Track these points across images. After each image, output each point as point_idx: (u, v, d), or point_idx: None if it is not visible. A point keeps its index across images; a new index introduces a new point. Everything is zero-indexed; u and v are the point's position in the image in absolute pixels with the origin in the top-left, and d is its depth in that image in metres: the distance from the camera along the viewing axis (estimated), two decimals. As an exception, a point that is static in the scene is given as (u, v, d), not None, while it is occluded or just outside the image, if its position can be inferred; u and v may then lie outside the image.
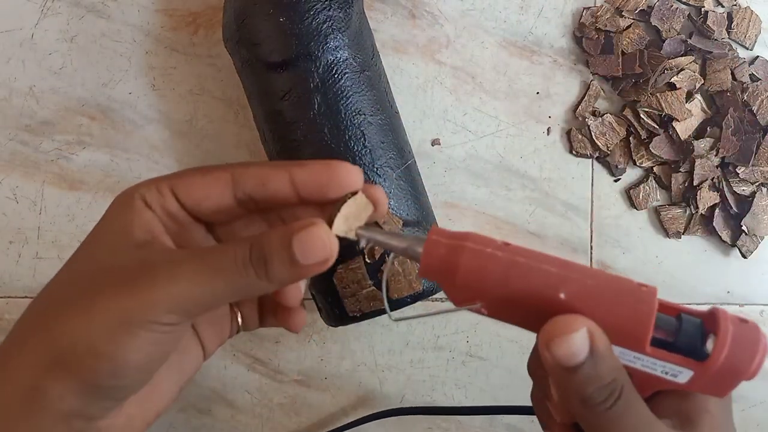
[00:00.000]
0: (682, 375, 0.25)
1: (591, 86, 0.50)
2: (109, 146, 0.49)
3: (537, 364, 0.31)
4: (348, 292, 0.39)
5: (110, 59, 0.49)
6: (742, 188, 0.49)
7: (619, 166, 0.50)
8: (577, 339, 0.24)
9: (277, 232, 0.26)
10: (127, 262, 0.27)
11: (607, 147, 0.50)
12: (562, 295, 0.24)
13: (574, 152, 0.50)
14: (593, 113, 0.50)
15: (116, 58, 0.49)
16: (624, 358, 0.25)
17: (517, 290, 0.25)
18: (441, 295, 0.48)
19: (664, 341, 0.25)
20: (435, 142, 0.50)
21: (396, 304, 0.40)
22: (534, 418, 0.35)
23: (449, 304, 0.27)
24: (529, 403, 0.34)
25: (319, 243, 0.26)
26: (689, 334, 0.25)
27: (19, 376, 0.26)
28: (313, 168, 0.29)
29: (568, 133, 0.50)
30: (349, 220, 0.27)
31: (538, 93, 0.50)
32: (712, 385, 0.25)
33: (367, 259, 0.39)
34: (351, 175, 0.29)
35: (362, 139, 0.39)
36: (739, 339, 0.24)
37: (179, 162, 0.49)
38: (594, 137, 0.49)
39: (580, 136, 0.50)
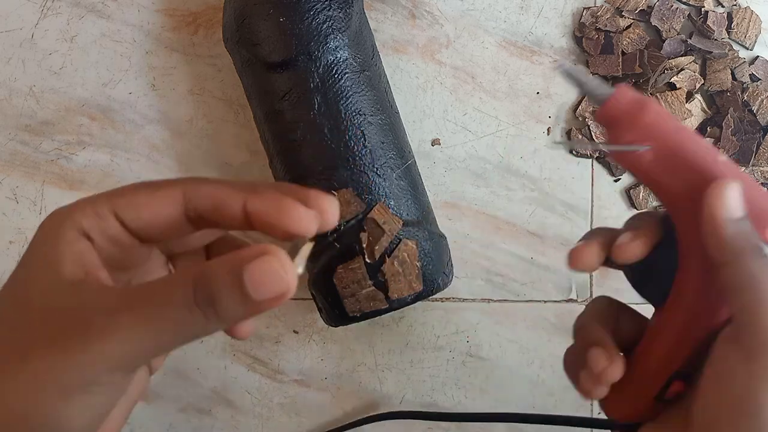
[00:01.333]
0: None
1: (591, 86, 0.50)
2: (109, 146, 0.49)
3: (585, 324, 0.33)
4: (348, 292, 0.39)
5: (110, 59, 0.49)
6: (742, 188, 0.49)
7: (619, 167, 0.50)
8: (738, 192, 0.27)
9: (225, 265, 0.22)
10: (59, 306, 0.23)
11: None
12: (722, 158, 0.28)
13: (574, 152, 0.50)
14: (593, 113, 0.50)
15: (116, 58, 0.49)
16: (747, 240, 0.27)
17: (688, 141, 0.28)
18: (441, 295, 0.48)
19: None
20: (435, 142, 0.50)
21: (396, 304, 0.40)
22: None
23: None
24: (528, 411, 0.36)
25: (276, 276, 0.22)
26: None
27: None
28: (266, 203, 0.25)
29: (568, 133, 0.50)
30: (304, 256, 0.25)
31: (538, 93, 0.50)
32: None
33: (366, 259, 0.39)
34: (302, 222, 0.24)
35: (362, 139, 0.39)
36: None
37: (179, 162, 0.49)
38: (594, 137, 0.49)
39: (580, 136, 0.50)
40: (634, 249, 0.29)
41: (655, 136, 0.28)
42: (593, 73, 0.51)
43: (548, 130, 0.50)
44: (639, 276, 0.31)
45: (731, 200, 0.27)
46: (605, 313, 0.33)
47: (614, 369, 0.30)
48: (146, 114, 0.49)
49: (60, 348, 0.22)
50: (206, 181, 0.26)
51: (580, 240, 0.31)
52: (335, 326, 0.43)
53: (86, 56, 0.49)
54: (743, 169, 0.49)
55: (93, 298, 0.23)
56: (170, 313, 0.22)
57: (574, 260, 0.30)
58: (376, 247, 0.39)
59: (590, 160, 0.50)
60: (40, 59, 0.49)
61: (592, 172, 0.51)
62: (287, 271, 0.22)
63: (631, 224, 0.31)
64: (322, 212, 0.25)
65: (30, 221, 0.48)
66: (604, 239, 0.30)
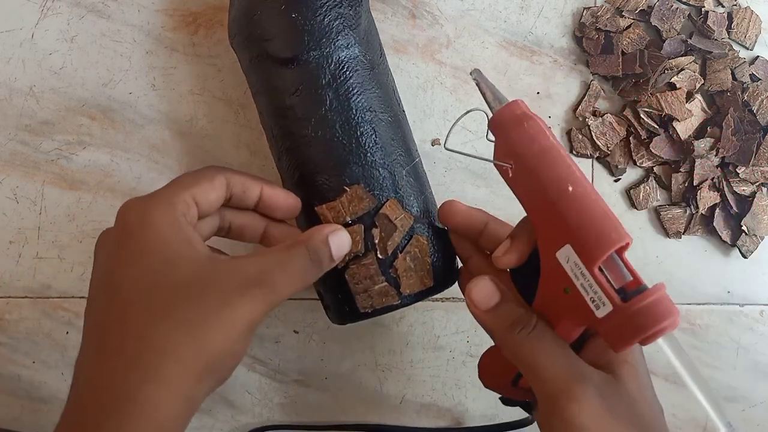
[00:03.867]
0: (602, 309, 0.29)
1: (591, 86, 0.50)
2: (109, 146, 0.49)
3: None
4: (360, 288, 0.39)
5: (110, 59, 0.49)
6: (743, 188, 0.49)
7: (619, 166, 0.50)
8: (489, 285, 0.34)
9: (320, 236, 0.34)
10: (221, 275, 0.31)
11: (608, 147, 0.50)
12: (570, 188, 0.30)
13: (574, 152, 0.50)
14: (593, 113, 0.50)
15: (116, 58, 0.49)
16: (573, 271, 0.30)
17: (545, 167, 0.30)
18: (442, 295, 0.48)
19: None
20: (435, 142, 0.50)
21: (407, 300, 0.40)
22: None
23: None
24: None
25: (346, 241, 0.36)
26: (628, 282, 0.30)
27: (175, 386, 0.29)
28: (276, 190, 0.38)
29: (568, 133, 0.50)
30: None
31: (538, 93, 0.50)
32: (617, 330, 0.29)
33: (379, 255, 0.39)
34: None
35: (373, 135, 0.39)
36: (660, 304, 0.28)
37: (179, 162, 0.49)
38: (594, 137, 0.49)
39: (580, 136, 0.50)
40: (506, 260, 0.34)
41: (517, 155, 0.32)
42: (593, 73, 0.51)
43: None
44: (516, 277, 0.36)
45: (480, 295, 0.34)
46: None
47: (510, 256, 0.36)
48: (146, 114, 0.49)
49: (261, 296, 0.31)
50: (234, 170, 0.36)
51: (508, 237, 0.35)
52: (344, 324, 0.43)
53: (86, 56, 0.49)
54: (743, 168, 0.49)
55: (247, 265, 0.32)
56: (304, 272, 0.33)
57: (496, 262, 0.35)
58: (389, 243, 0.39)
59: (590, 160, 0.51)
60: (41, 59, 0.49)
61: (593, 172, 0.51)
62: (349, 238, 0.36)
63: (512, 231, 0.35)
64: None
65: (30, 221, 0.48)
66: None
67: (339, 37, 0.39)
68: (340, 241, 0.35)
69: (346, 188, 0.39)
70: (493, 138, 0.34)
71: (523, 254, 0.34)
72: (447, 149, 0.35)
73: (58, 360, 0.49)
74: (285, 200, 0.38)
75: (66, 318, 0.49)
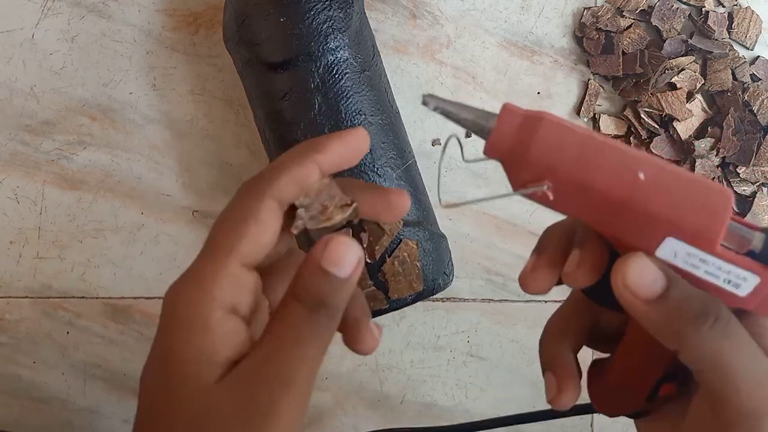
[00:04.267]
0: (746, 284, 0.23)
1: (590, 85, 0.50)
2: (109, 146, 0.49)
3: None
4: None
5: (111, 59, 0.49)
6: (743, 188, 0.49)
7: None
8: (651, 267, 0.24)
9: (310, 270, 0.26)
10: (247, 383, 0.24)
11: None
12: (641, 175, 0.23)
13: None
14: (595, 117, 0.50)
15: (117, 58, 0.49)
16: (688, 262, 0.24)
17: (594, 167, 0.23)
18: (442, 295, 0.48)
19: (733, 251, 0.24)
20: (435, 142, 0.50)
21: (396, 304, 0.40)
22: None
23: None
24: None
25: (344, 248, 0.27)
26: (764, 241, 0.23)
27: None
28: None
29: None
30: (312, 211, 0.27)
31: (538, 93, 0.50)
32: None
33: (367, 259, 0.39)
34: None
35: None
36: None
37: (180, 162, 0.49)
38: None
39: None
40: (582, 277, 0.26)
41: (551, 172, 0.24)
42: (594, 73, 0.50)
43: (549, 130, 0.50)
44: (597, 293, 0.28)
45: (641, 281, 0.24)
46: (580, 308, 0.31)
47: (564, 398, 0.28)
48: (147, 114, 0.49)
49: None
50: (278, 170, 0.26)
51: (533, 251, 0.28)
52: None
53: (87, 56, 0.49)
54: (743, 168, 0.49)
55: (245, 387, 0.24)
56: (308, 338, 0.25)
57: (524, 286, 0.28)
58: (377, 247, 0.39)
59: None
60: (41, 59, 0.49)
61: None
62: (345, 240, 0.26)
63: (578, 239, 0.27)
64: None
65: (30, 221, 0.48)
66: (554, 257, 0.27)
67: (328, 41, 0.39)
68: (337, 255, 0.26)
69: None
70: (452, 201, 0.28)
71: (599, 268, 0.26)
72: (444, 207, 0.27)
73: (58, 360, 0.49)
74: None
75: (66, 318, 0.49)
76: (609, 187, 0.23)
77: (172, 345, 0.24)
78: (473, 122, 0.25)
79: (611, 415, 0.30)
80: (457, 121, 0.26)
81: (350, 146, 0.27)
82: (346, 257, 0.26)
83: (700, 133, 0.50)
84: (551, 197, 0.25)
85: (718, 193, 0.23)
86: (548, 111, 0.24)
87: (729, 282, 0.24)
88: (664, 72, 0.49)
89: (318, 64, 0.39)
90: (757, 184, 0.49)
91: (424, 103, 0.25)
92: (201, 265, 0.25)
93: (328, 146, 0.26)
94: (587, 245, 0.26)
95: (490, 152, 0.25)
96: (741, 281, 0.24)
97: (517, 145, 0.24)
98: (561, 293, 0.49)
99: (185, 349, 0.24)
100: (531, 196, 0.25)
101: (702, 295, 0.24)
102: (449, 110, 0.26)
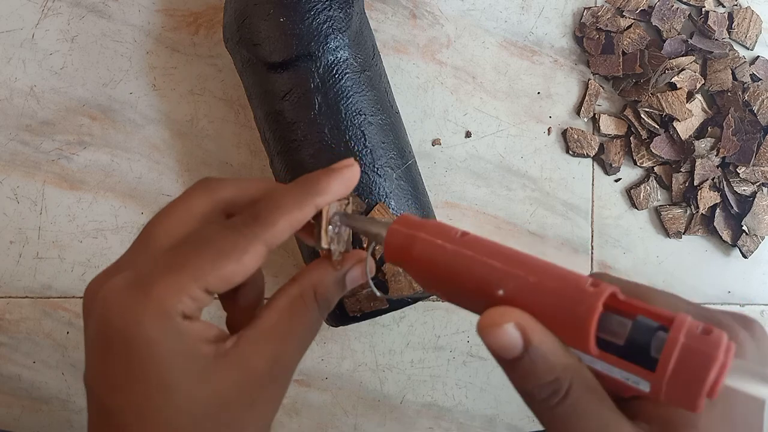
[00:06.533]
0: (642, 384, 0.23)
1: (590, 85, 0.50)
2: (109, 146, 0.49)
3: None
4: (348, 292, 0.39)
5: (111, 59, 0.49)
6: (743, 188, 0.49)
7: (613, 165, 0.50)
8: (508, 332, 0.23)
9: (329, 280, 0.28)
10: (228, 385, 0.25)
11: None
12: (500, 292, 0.24)
13: (570, 152, 0.50)
14: (595, 118, 0.50)
15: (117, 58, 0.49)
16: (585, 359, 0.24)
17: (462, 282, 0.25)
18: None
19: (618, 345, 0.23)
20: (435, 142, 0.50)
21: (396, 304, 0.40)
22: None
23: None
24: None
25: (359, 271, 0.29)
26: (638, 341, 0.23)
27: None
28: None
29: (564, 133, 0.50)
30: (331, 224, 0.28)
31: (538, 93, 0.50)
32: (674, 397, 0.22)
33: None
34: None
35: (363, 139, 0.39)
36: (691, 351, 0.21)
37: (180, 162, 0.49)
38: (591, 135, 0.49)
39: (576, 136, 0.50)
40: None
41: (432, 283, 0.26)
42: (594, 73, 0.50)
43: (549, 130, 0.50)
44: None
45: (497, 340, 0.23)
46: None
47: None
48: (147, 114, 0.49)
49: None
50: (277, 214, 0.26)
51: None
52: (336, 326, 0.43)
53: (87, 56, 0.49)
54: (743, 168, 0.49)
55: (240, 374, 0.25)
56: (308, 336, 0.28)
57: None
58: (377, 247, 0.39)
59: (591, 159, 0.50)
60: (41, 59, 0.49)
61: (593, 171, 0.51)
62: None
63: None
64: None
65: (30, 221, 0.48)
66: None
67: (328, 41, 0.39)
68: (357, 273, 0.29)
69: None
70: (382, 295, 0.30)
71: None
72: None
73: (58, 360, 0.49)
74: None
75: (66, 318, 0.49)
76: (480, 298, 0.25)
77: (140, 356, 0.23)
78: (373, 236, 0.27)
79: None
80: (362, 234, 0.28)
81: (346, 183, 0.28)
82: (364, 276, 0.29)
83: (700, 133, 0.50)
84: (444, 302, 0.27)
85: (579, 305, 0.23)
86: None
87: (627, 379, 0.23)
88: (664, 72, 0.49)
89: (318, 64, 0.39)
90: (757, 184, 0.49)
91: (333, 222, 0.28)
92: (156, 283, 0.24)
93: (328, 188, 0.27)
94: None
95: (389, 259, 0.27)
96: (636, 381, 0.23)
97: (402, 259, 0.27)
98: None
99: (161, 365, 0.23)
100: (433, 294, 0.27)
101: (554, 367, 0.23)
102: (355, 226, 0.28)
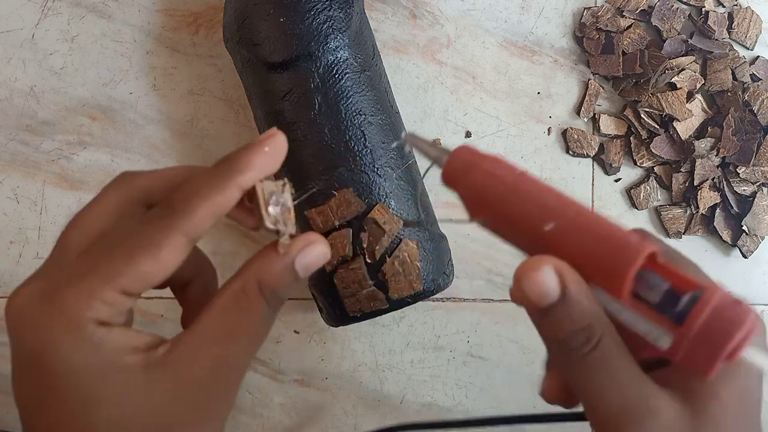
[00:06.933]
0: (663, 340, 0.24)
1: (590, 85, 0.50)
2: (109, 146, 0.49)
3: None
4: (348, 292, 0.39)
5: (111, 59, 0.49)
6: (743, 188, 0.49)
7: (613, 165, 0.50)
8: (547, 277, 0.23)
9: (274, 269, 0.25)
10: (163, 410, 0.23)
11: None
12: (548, 227, 0.25)
13: (570, 152, 0.50)
14: (594, 118, 0.50)
15: (117, 58, 0.49)
16: (612, 308, 0.24)
17: (513, 213, 0.26)
18: (442, 295, 0.48)
19: (651, 303, 0.24)
20: (435, 142, 0.49)
21: (396, 304, 0.40)
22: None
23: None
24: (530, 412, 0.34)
25: (315, 253, 0.26)
26: (670, 301, 0.24)
27: None
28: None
29: (564, 132, 0.50)
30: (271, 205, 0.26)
31: (539, 93, 0.50)
32: (692, 357, 0.23)
33: (367, 259, 0.39)
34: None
35: (363, 139, 0.39)
36: (722, 312, 0.23)
37: (180, 162, 0.49)
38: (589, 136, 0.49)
39: (576, 136, 0.50)
40: (557, 398, 0.27)
41: (484, 210, 0.27)
42: (594, 73, 0.50)
43: (549, 130, 0.50)
44: None
45: (534, 286, 0.24)
46: None
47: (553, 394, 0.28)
48: (147, 114, 0.49)
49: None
50: (196, 201, 0.23)
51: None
52: (336, 326, 0.43)
53: (87, 56, 0.49)
54: (743, 168, 0.49)
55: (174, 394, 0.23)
56: (258, 334, 0.25)
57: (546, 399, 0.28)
58: (377, 247, 0.39)
59: (591, 159, 0.50)
60: (41, 59, 0.49)
61: (593, 171, 0.51)
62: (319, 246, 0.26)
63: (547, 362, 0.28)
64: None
65: (31, 221, 0.48)
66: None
67: (328, 41, 0.39)
68: (313, 261, 0.26)
69: (335, 192, 0.39)
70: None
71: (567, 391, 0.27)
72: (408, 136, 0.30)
73: (58, 360, 0.49)
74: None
75: (66, 318, 0.49)
76: (528, 231, 0.26)
77: (48, 356, 0.22)
78: (435, 158, 0.29)
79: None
80: (425, 154, 0.29)
81: (274, 156, 0.25)
82: (318, 262, 0.26)
83: (700, 133, 0.50)
84: (489, 231, 0.28)
85: (625, 250, 0.24)
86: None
87: (650, 334, 0.24)
88: (664, 72, 0.49)
89: (318, 64, 0.39)
90: (757, 184, 0.49)
91: (402, 143, 0.29)
92: (70, 291, 0.22)
93: (250, 164, 0.24)
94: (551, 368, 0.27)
95: (445, 182, 0.29)
96: (659, 335, 0.24)
97: (460, 182, 0.28)
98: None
99: (75, 366, 0.22)
100: (480, 226, 0.28)
101: (584, 318, 0.24)
102: (418, 145, 0.29)
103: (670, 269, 0.24)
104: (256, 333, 0.25)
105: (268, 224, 0.25)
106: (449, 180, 0.28)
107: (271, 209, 0.25)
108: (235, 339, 0.24)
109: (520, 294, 0.24)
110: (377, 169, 0.40)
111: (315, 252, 0.25)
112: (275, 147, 0.25)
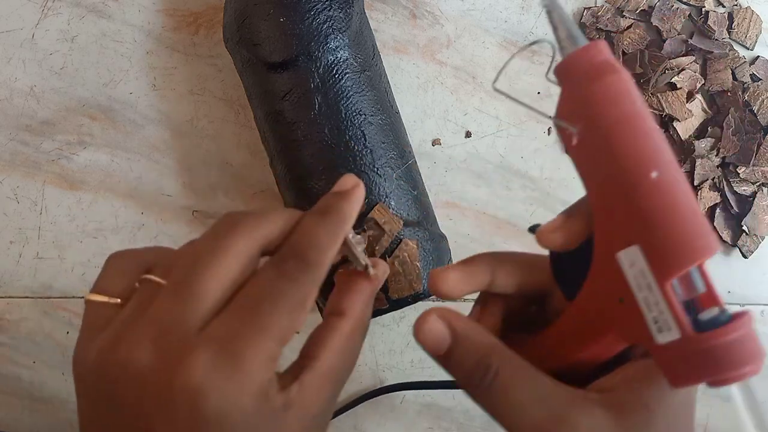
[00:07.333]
0: (666, 334, 0.23)
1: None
2: (109, 146, 0.49)
3: None
4: None
5: (111, 59, 0.49)
6: (743, 188, 0.49)
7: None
8: (435, 326, 0.26)
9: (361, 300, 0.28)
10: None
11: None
12: (654, 174, 0.22)
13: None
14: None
15: (117, 58, 0.49)
16: (637, 281, 0.23)
17: (624, 139, 0.23)
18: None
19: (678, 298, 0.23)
20: (436, 142, 0.50)
21: (396, 304, 0.40)
22: None
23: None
24: None
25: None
26: (695, 303, 0.23)
27: None
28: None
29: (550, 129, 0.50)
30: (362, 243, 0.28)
31: (539, 93, 0.50)
32: (679, 363, 0.23)
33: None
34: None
35: (363, 139, 0.39)
36: (746, 343, 0.22)
37: (179, 162, 0.49)
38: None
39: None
40: (552, 240, 0.26)
41: (588, 118, 0.24)
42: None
43: (549, 130, 0.50)
44: (558, 263, 0.28)
45: (429, 338, 0.26)
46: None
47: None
48: (147, 114, 0.49)
49: None
50: (321, 254, 0.25)
51: (563, 213, 0.28)
52: None
53: (87, 56, 0.49)
54: (743, 168, 0.49)
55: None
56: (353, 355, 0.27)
57: (542, 238, 0.27)
58: (377, 247, 0.39)
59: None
60: (41, 59, 0.49)
61: (593, 172, 0.51)
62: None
63: (570, 207, 0.27)
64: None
65: (31, 221, 0.48)
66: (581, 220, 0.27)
67: (328, 41, 0.39)
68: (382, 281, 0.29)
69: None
70: (555, 82, 0.26)
71: (573, 238, 0.26)
72: (495, 89, 0.26)
73: (58, 360, 0.49)
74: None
75: (66, 318, 0.49)
76: (624, 166, 0.23)
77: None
78: (564, 37, 0.25)
79: None
80: (554, 28, 0.25)
81: (360, 204, 0.27)
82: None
83: (700, 133, 0.50)
84: (574, 142, 0.24)
85: (704, 239, 0.22)
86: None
87: (656, 322, 0.23)
88: (665, 72, 0.49)
89: (318, 64, 0.39)
90: (757, 184, 0.49)
91: (545, 7, 0.26)
92: (251, 354, 0.22)
93: (352, 215, 0.27)
94: (572, 218, 0.26)
95: (558, 71, 0.25)
96: (665, 328, 0.23)
97: (579, 78, 0.24)
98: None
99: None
100: (560, 132, 0.25)
101: (477, 352, 0.26)
102: (555, 18, 0.25)
103: (708, 278, 0.24)
104: (353, 367, 0.27)
105: (363, 262, 0.27)
106: (567, 71, 0.25)
107: (359, 248, 0.27)
108: (344, 378, 0.26)
109: (423, 346, 0.26)
110: (377, 169, 0.40)
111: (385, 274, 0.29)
112: (361, 195, 0.28)
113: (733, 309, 0.45)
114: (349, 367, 0.26)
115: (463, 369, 0.26)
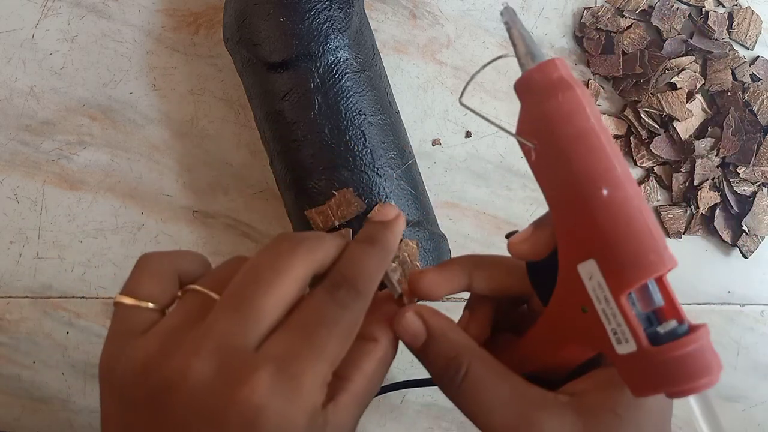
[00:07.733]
0: (625, 346, 0.23)
1: (590, 85, 0.50)
2: (109, 146, 0.49)
3: None
4: None
5: (111, 59, 0.49)
6: (743, 188, 0.49)
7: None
8: (411, 321, 0.27)
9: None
10: None
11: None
12: (605, 191, 0.23)
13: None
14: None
15: (117, 58, 0.49)
16: (596, 293, 0.24)
17: (578, 155, 0.23)
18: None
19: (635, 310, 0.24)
20: (435, 142, 0.50)
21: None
22: None
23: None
24: None
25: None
26: (655, 315, 0.24)
27: None
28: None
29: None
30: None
31: (538, 93, 0.50)
32: (639, 374, 0.23)
33: None
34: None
35: (363, 139, 0.39)
36: (701, 357, 0.22)
37: (179, 162, 0.49)
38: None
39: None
40: (519, 249, 0.27)
41: (545, 134, 0.24)
42: (594, 73, 0.50)
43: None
44: (533, 269, 0.28)
45: (406, 332, 0.27)
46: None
47: None
48: (147, 114, 0.49)
49: None
50: (370, 283, 0.26)
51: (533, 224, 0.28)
52: None
53: (87, 56, 0.49)
54: (743, 168, 0.49)
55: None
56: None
57: (512, 247, 0.28)
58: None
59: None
60: (41, 59, 0.49)
61: (593, 172, 0.51)
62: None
63: (540, 218, 0.27)
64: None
65: (31, 221, 0.48)
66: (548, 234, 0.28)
67: (328, 41, 0.39)
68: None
69: (335, 192, 0.39)
70: (469, 106, 0.27)
71: (540, 249, 0.26)
72: (462, 104, 0.26)
73: (58, 360, 0.49)
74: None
75: (66, 318, 0.49)
76: (577, 182, 0.23)
77: None
78: (522, 54, 0.25)
79: None
80: (513, 43, 0.26)
81: (401, 233, 0.28)
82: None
83: (700, 133, 0.50)
84: (533, 157, 0.25)
85: (655, 255, 0.23)
86: (575, 90, 0.24)
87: (615, 333, 0.24)
88: (664, 72, 0.49)
89: (318, 64, 0.39)
90: (757, 184, 0.49)
91: (503, 13, 0.26)
92: (308, 376, 0.23)
93: (395, 245, 0.28)
94: (539, 229, 0.27)
95: (517, 88, 0.26)
96: (623, 340, 0.23)
97: (535, 95, 0.24)
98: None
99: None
100: (521, 145, 0.26)
101: (451, 349, 0.27)
102: (513, 34, 0.26)
103: (669, 291, 0.24)
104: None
105: (399, 290, 0.28)
106: (525, 88, 0.25)
107: (395, 277, 0.28)
108: (371, 399, 0.27)
109: (400, 337, 0.28)
110: (377, 169, 0.40)
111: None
112: (403, 225, 0.28)
113: (732, 309, 0.46)
114: (375, 391, 0.27)
115: (435, 366, 0.27)
